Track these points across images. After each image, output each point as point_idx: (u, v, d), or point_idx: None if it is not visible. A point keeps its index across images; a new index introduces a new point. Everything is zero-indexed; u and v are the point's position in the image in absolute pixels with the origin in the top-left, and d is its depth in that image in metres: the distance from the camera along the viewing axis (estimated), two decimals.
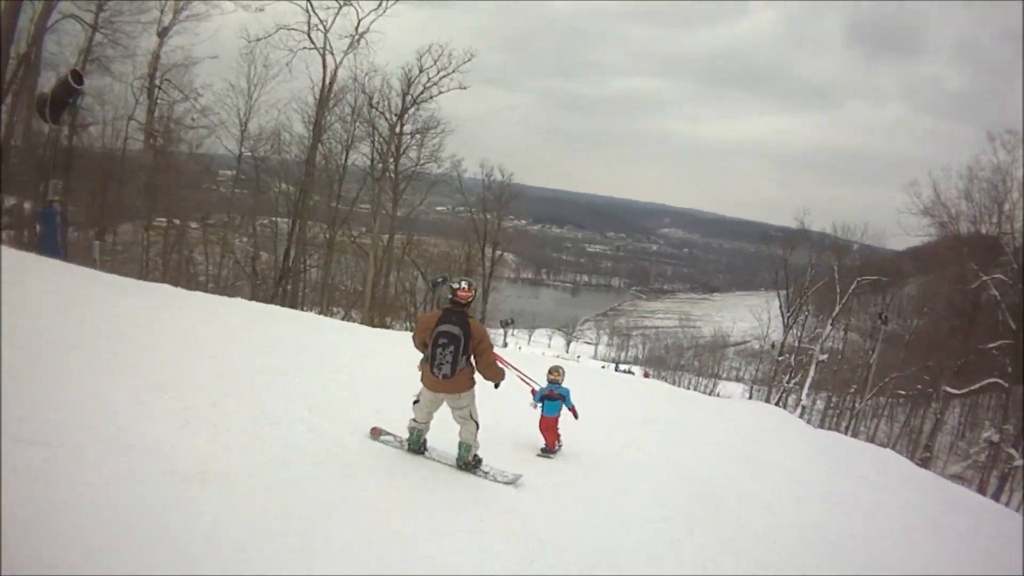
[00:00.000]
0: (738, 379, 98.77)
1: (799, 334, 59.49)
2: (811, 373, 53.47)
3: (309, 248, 48.67)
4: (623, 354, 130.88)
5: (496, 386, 8.98)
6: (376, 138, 48.29)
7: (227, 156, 47.44)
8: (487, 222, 57.68)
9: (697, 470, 11.24)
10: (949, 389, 45.82)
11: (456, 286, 8.46)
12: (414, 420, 8.84)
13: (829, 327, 55.12)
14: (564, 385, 10.81)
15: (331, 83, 45.28)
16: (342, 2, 44.20)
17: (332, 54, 44.82)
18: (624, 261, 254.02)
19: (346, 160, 48.22)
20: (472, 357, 8.47)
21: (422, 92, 47.79)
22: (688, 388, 76.70)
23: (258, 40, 43.77)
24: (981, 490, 35.36)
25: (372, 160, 48.64)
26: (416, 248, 57.05)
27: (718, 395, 61.77)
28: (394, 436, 9.16)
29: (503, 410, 10.64)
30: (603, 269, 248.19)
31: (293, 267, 45.78)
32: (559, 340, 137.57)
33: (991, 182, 43.68)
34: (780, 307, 62.55)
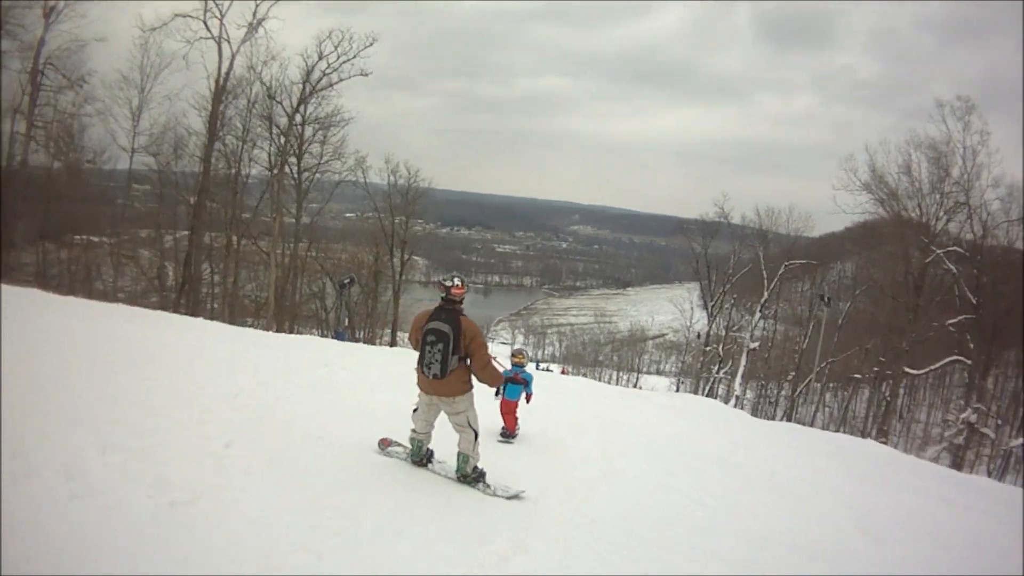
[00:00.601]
0: (659, 372, 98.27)
1: (725, 323, 57.89)
2: (743, 362, 51.93)
3: (213, 256, 46.03)
4: (540, 352, 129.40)
5: (497, 393, 9.66)
6: (274, 132, 45.61)
7: (140, 170, 44.86)
8: (394, 225, 55.34)
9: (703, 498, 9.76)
10: (909, 370, 44.70)
11: (449, 284, 8.20)
12: (413, 430, 8.68)
13: (758, 314, 53.43)
14: (527, 370, 11.26)
15: (227, 74, 42.37)
16: None
17: (228, 42, 42.06)
18: (535, 260, 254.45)
19: (241, 154, 45.10)
20: (466, 358, 8.17)
21: (321, 79, 45.24)
22: (609, 383, 76.43)
23: (153, 29, 40.85)
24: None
25: (270, 155, 45.90)
26: (324, 253, 55.28)
27: (642, 388, 60.90)
28: (403, 447, 9.02)
29: None
30: (514, 269, 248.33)
31: (193, 275, 43.00)
32: (522, 336, 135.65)
33: (936, 152, 42.62)
34: (703, 297, 61.13)
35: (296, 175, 47.40)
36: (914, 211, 44.21)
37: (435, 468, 8.73)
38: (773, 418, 49.79)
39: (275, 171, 45.05)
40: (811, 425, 44.11)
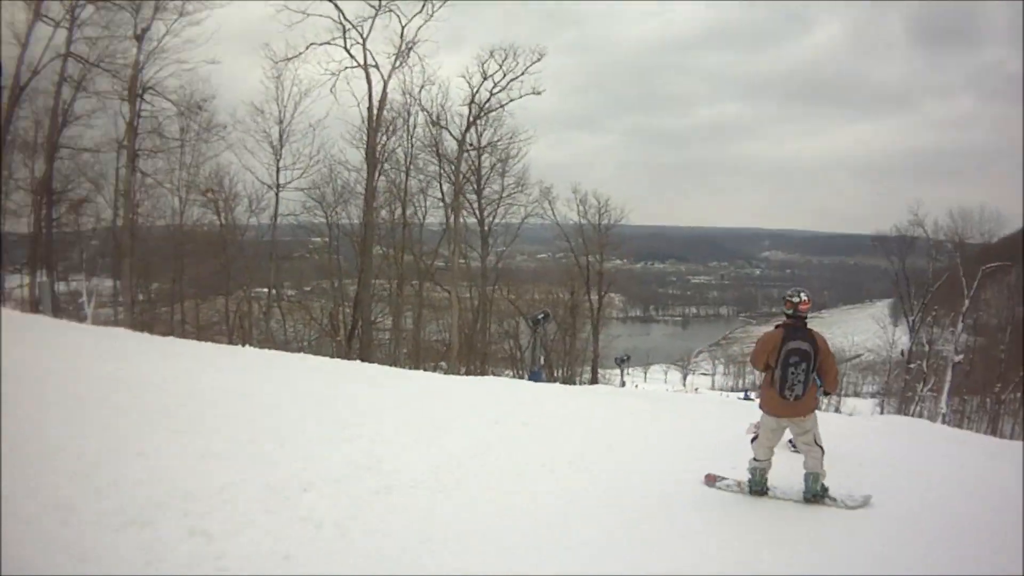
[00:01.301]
0: (856, 394, 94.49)
1: (927, 338, 53.82)
2: (948, 377, 47.82)
3: (387, 299, 44.88)
4: (740, 381, 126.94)
5: (826, 394, 8.98)
6: (443, 162, 43.74)
7: (316, 224, 43.98)
8: (588, 259, 53.04)
9: None
10: None
11: (796, 300, 8.19)
12: (755, 459, 8.48)
13: (960, 324, 49.17)
14: None
15: (381, 100, 39.97)
16: (378, 6, 39.15)
17: (378, 68, 39.76)
18: (729, 289, 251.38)
19: (405, 188, 43.57)
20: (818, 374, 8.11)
21: (489, 99, 42.45)
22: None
23: (288, 60, 38.90)
24: None
25: (441, 187, 44.37)
26: (515, 293, 53.13)
27: (848, 414, 58.20)
28: (732, 482, 8.75)
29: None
30: (710, 299, 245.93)
31: (363, 320, 41.67)
32: (675, 374, 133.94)
33: None
34: (897, 313, 57.41)
35: (478, 211, 45.69)
36: None
37: (777, 494, 8.49)
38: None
39: (449, 203, 43.29)
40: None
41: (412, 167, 43.32)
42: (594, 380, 50.57)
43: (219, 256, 40.60)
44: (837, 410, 67.78)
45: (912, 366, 53.16)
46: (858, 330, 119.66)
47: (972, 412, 53.68)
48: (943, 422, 43.43)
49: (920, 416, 46.98)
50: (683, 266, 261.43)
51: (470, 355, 45.55)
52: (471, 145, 44.12)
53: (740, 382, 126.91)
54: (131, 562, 4.95)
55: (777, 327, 8.40)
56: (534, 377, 33.20)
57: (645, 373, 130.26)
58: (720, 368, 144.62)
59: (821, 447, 8.20)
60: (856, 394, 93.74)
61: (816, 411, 8.24)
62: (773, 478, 8.61)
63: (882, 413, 55.07)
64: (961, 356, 49.53)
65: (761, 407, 8.38)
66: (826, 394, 8.57)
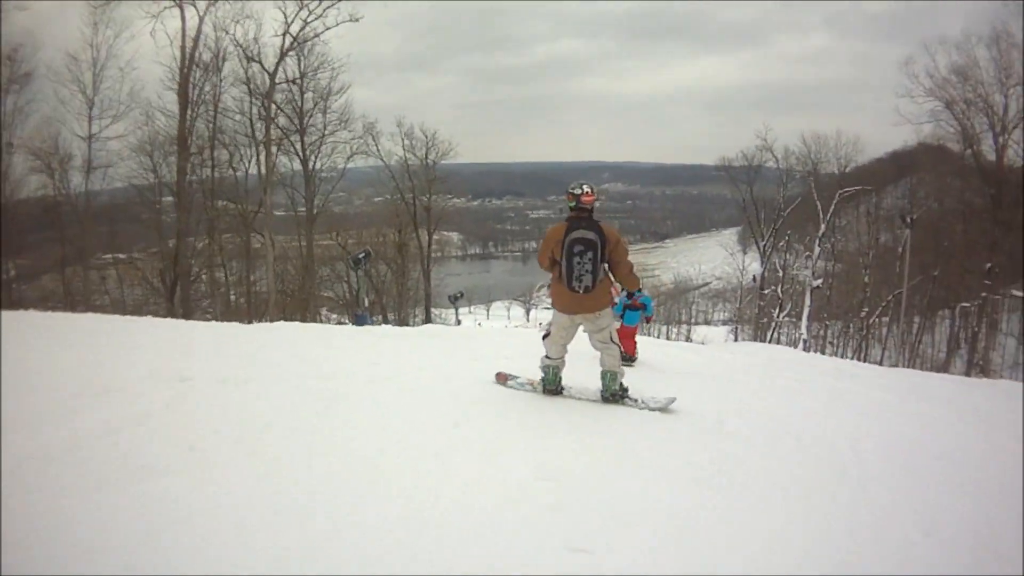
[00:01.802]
0: (707, 322, 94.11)
1: (781, 264, 52.80)
2: (807, 302, 47.25)
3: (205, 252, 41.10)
4: None
5: (630, 296, 10.52)
6: (254, 100, 40.27)
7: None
8: (415, 197, 51.24)
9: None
10: (1016, 292, 40.97)
11: (578, 191, 7.81)
12: (547, 357, 8.27)
13: (817, 248, 48.37)
14: (646, 293, 11.25)
15: (196, 38, 36.25)
16: None
17: (194, 4, 35.94)
18: None
19: (214, 131, 39.13)
20: (608, 266, 7.90)
21: (304, 28, 38.94)
22: (659, 338, 73.03)
23: (105, 1, 34.85)
24: None
25: (252, 124, 40.49)
26: (344, 237, 50.89)
27: (699, 341, 57.55)
28: (524, 381, 8.65)
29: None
30: None
31: (182, 275, 37.86)
32: (518, 310, 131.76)
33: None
34: (747, 240, 56.21)
35: (301, 151, 43.00)
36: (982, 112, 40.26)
37: (573, 393, 8.33)
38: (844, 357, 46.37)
39: (260, 140, 39.88)
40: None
41: (224, 107, 39.69)
42: (427, 320, 48.53)
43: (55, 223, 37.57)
44: (688, 338, 67.64)
45: (766, 292, 52.33)
46: (705, 259, 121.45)
47: (835, 337, 53.06)
48: (804, 347, 43.00)
49: (778, 342, 46.50)
50: (521, 201, 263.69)
51: (297, 304, 43.49)
52: (287, 80, 40.91)
53: None
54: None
55: (562, 222, 8.00)
56: (360, 321, 30.09)
57: (487, 310, 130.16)
58: None
59: (618, 344, 8.13)
60: (707, 322, 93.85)
61: (611, 307, 8.32)
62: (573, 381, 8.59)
63: (736, 340, 55.07)
64: (820, 281, 48.78)
65: (553, 305, 8.17)
66: (629, 295, 9.01)
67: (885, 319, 49.39)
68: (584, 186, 7.88)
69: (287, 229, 47.22)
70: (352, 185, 54.58)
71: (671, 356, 13.64)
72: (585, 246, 7.57)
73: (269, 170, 39.10)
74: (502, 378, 8.82)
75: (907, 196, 52.74)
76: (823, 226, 48.01)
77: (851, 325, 52.31)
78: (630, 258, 8.09)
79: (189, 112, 36.84)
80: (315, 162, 44.39)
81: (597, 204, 7.98)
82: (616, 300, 10.38)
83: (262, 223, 40.06)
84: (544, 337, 8.38)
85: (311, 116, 43.05)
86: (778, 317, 50.15)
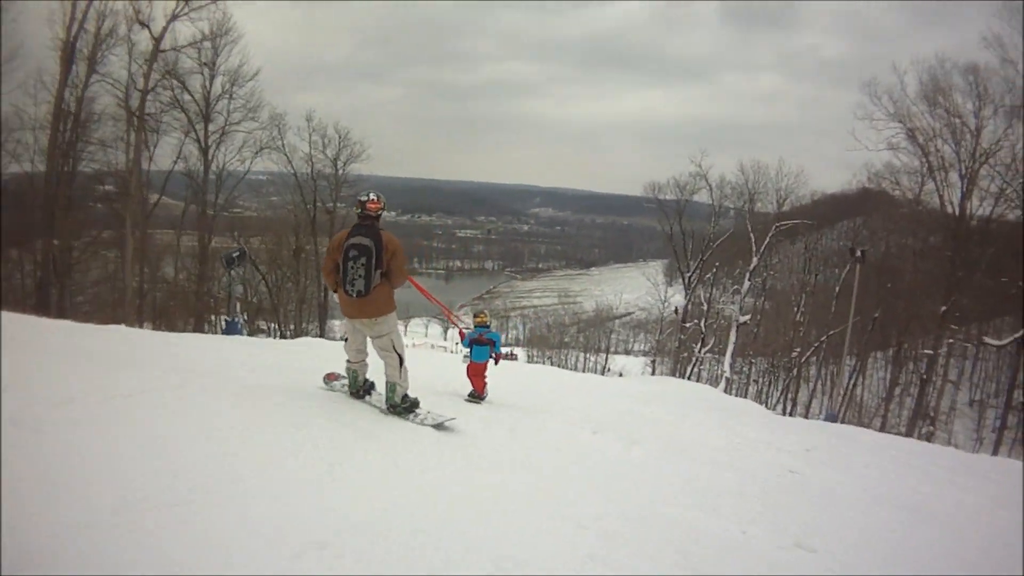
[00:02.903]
0: (627, 351, 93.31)
1: (707, 296, 50.20)
2: (732, 338, 44.48)
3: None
4: (503, 336, 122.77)
5: (464, 357, 10.62)
6: (134, 63, 35.93)
7: None
8: (315, 207, 48.03)
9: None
10: (990, 340, 39.56)
11: (364, 199, 8.01)
12: (348, 360, 8.58)
13: (747, 282, 45.71)
14: (493, 331, 10.88)
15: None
16: None
17: None
18: (496, 244, 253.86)
19: (80, 101, 34.44)
20: (387, 274, 7.98)
21: None
22: (577, 366, 75.81)
23: None
24: None
25: (126, 92, 35.85)
26: (243, 240, 46.96)
27: (617, 373, 55.32)
28: (346, 381, 8.84)
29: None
30: (475, 253, 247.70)
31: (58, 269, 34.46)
32: (436, 327, 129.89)
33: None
34: (673, 272, 53.64)
35: (202, 138, 40.43)
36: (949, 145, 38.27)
37: (372, 400, 8.52)
38: (768, 402, 45.54)
39: (133, 111, 35.70)
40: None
41: (105, 72, 35.31)
42: (322, 333, 45.34)
43: None
44: (605, 369, 65.64)
45: (688, 325, 49.65)
46: (628, 288, 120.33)
47: (760, 375, 50.81)
48: (726, 386, 41.07)
49: (699, 378, 44.73)
50: (450, 219, 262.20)
51: (183, 306, 41.39)
52: (176, 47, 37.16)
53: (504, 336, 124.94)
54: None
55: (346, 228, 8.15)
56: (229, 329, 27.34)
57: (405, 327, 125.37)
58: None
59: (400, 355, 8.16)
60: (627, 351, 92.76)
61: (394, 315, 8.18)
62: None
63: (653, 373, 54.25)
64: (748, 317, 46.30)
65: (341, 311, 8.28)
66: (396, 285, 8.15)
67: (814, 359, 47.52)
68: (371, 194, 8.01)
69: (189, 225, 44.30)
70: (258, 186, 51.39)
71: (544, 392, 14.03)
72: (360, 251, 7.65)
73: (138, 148, 35.68)
74: (331, 378, 9.02)
75: (850, 235, 50.93)
76: (755, 259, 45.55)
77: (778, 364, 50.40)
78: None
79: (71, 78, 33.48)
80: (219, 155, 42.17)
81: (383, 213, 8.07)
82: (465, 332, 10.79)
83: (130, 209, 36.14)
84: (343, 341, 8.87)
85: (217, 102, 40.66)
86: (699, 352, 47.43)
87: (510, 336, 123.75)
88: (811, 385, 48.39)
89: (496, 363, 10.79)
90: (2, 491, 4.03)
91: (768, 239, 45.36)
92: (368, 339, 8.35)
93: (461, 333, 10.92)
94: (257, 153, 44.13)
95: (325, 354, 12.88)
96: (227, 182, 43.80)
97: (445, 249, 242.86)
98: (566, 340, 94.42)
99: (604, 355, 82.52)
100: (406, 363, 8.23)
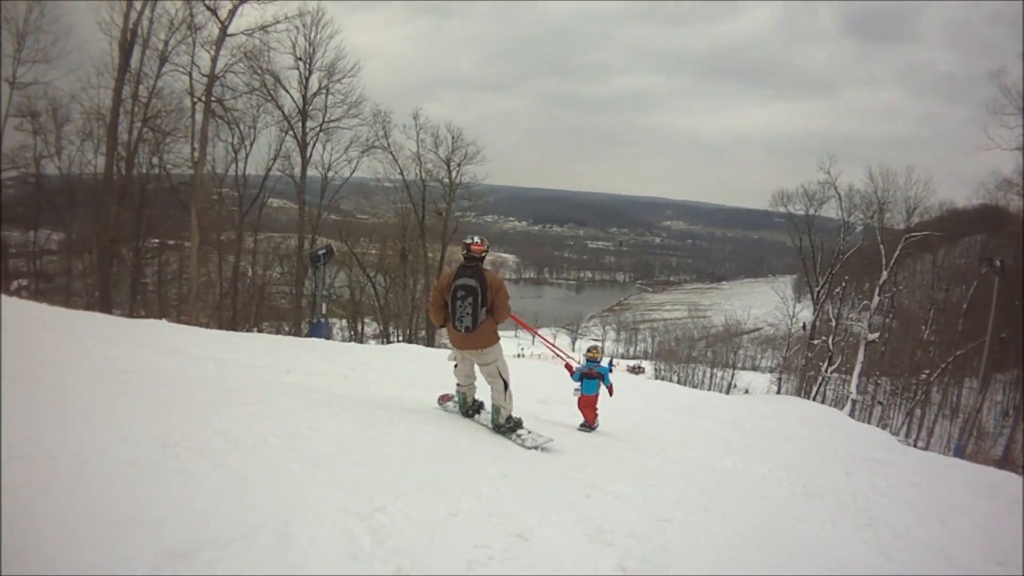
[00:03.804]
0: (755, 367, 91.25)
1: (835, 312, 47.46)
2: (860, 358, 41.98)
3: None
4: (632, 349, 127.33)
5: (576, 390, 10.74)
6: (198, 41, 34.29)
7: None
8: (424, 209, 46.03)
9: None
10: None
11: (469, 241, 8.54)
12: (457, 384, 9.16)
13: (877, 297, 43.14)
14: (603, 363, 10.98)
15: None
16: None
17: None
18: (628, 255, 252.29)
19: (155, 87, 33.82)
20: (491, 310, 8.49)
21: None
22: (703, 381, 75.61)
23: None
24: None
25: (191, 79, 34.07)
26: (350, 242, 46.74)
27: (743, 390, 58.35)
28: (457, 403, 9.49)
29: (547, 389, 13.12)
30: (607, 265, 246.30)
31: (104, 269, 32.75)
32: (564, 338, 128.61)
33: None
34: (802, 286, 51.01)
35: (299, 135, 39.51)
36: None
37: (481, 419, 9.08)
38: (891, 425, 43.26)
39: (196, 100, 33.96)
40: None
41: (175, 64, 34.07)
42: (430, 341, 43.10)
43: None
44: (731, 386, 63.84)
45: (816, 342, 47.13)
46: (758, 303, 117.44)
47: (885, 397, 48.05)
48: (851, 408, 39.12)
49: (824, 398, 42.89)
50: (582, 230, 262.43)
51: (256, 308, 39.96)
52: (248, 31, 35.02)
53: (632, 349, 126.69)
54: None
55: (451, 268, 8.99)
56: (315, 332, 26.41)
57: (532, 338, 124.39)
58: (611, 334, 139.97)
59: (504, 380, 8.59)
60: (754, 367, 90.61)
61: (498, 345, 8.58)
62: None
63: (779, 391, 51.71)
64: (876, 335, 43.51)
65: (449, 341, 8.77)
66: (499, 320, 8.55)
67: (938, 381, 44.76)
68: (475, 237, 8.48)
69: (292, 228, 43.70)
70: (366, 190, 49.60)
71: (660, 416, 14.33)
72: (467, 291, 8.10)
73: (204, 135, 33.59)
74: (445, 399, 9.65)
75: (974, 252, 48.22)
76: (885, 273, 42.99)
77: (902, 385, 47.68)
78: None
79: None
80: (324, 155, 41.63)
81: (487, 255, 8.49)
82: (574, 366, 10.87)
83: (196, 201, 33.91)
84: (454, 367, 8.98)
85: (314, 98, 39.67)
86: (826, 371, 45.00)
87: (638, 349, 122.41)
88: (934, 409, 45.72)
89: (611, 395, 10.92)
90: (2, 491, 3.89)
91: (898, 251, 42.73)
92: (476, 366, 8.81)
93: (568, 367, 10.99)
94: (364, 153, 43.09)
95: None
96: (332, 183, 42.91)
97: (576, 260, 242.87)
98: (694, 355, 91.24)
99: (731, 371, 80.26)
100: (511, 388, 8.70)
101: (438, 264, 45.71)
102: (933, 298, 47.61)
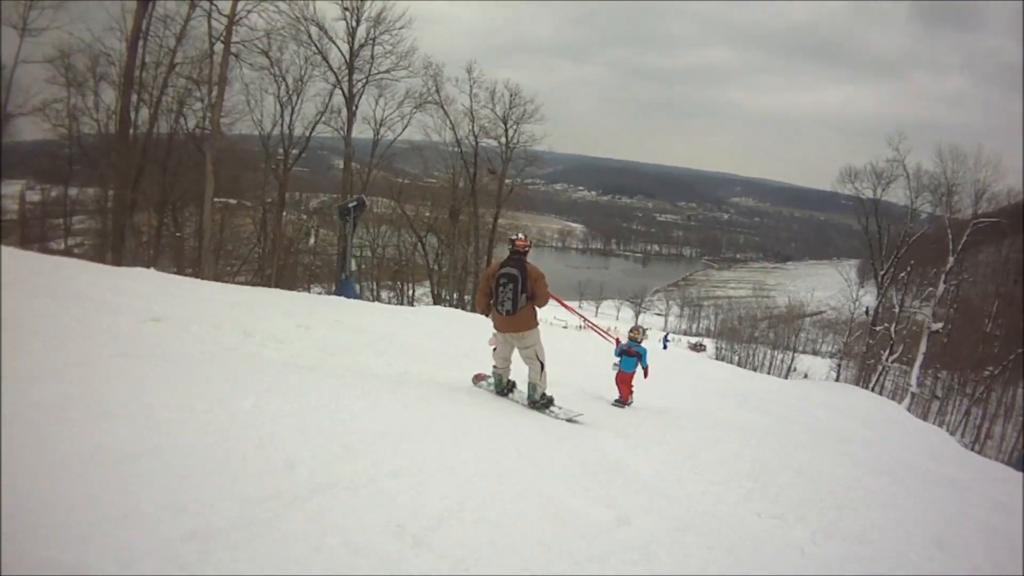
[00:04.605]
0: (815, 352, 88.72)
1: (899, 299, 45.50)
2: (922, 348, 40.13)
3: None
4: (694, 325, 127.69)
5: (615, 365, 11.44)
6: None
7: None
8: (475, 168, 43.85)
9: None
10: None
11: (513, 236, 9.31)
12: (494, 366, 9.81)
13: (942, 285, 41.03)
14: (643, 345, 11.82)
15: None
16: None
17: None
18: (695, 230, 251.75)
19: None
20: (531, 297, 9.22)
21: None
22: (763, 363, 75.40)
23: None
24: None
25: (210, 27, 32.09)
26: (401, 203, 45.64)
27: (803, 375, 58.94)
28: (491, 381, 10.04)
29: (582, 367, 13.56)
30: (674, 239, 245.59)
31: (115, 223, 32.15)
32: (628, 311, 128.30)
33: None
34: (874, 269, 48.79)
35: (347, 90, 38.27)
36: None
37: (514, 397, 9.76)
38: (948, 423, 41.27)
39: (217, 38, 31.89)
40: None
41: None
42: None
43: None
44: (791, 370, 62.66)
45: (878, 328, 45.17)
46: (821, 285, 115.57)
47: (943, 391, 46.00)
48: (910, 402, 37.48)
49: (884, 388, 41.22)
50: (651, 203, 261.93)
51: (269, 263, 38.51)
52: None
53: (695, 326, 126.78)
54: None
55: (498, 261, 9.46)
56: (343, 289, 25.27)
57: (597, 308, 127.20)
58: (675, 309, 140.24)
59: (541, 362, 9.28)
60: (815, 352, 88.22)
61: (537, 329, 9.30)
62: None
63: (838, 378, 50.61)
64: (940, 324, 41.40)
65: (493, 326, 9.45)
66: (540, 306, 9.29)
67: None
68: (520, 233, 9.28)
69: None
70: (418, 149, 45.98)
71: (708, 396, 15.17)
72: (508, 279, 8.93)
73: (222, 79, 31.64)
74: (479, 378, 10.16)
75: None
76: (951, 259, 40.82)
77: (962, 381, 45.46)
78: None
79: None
80: (373, 108, 40.64)
81: (529, 249, 9.19)
82: (616, 347, 11.59)
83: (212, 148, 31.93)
84: (494, 351, 9.59)
85: (361, 48, 38.21)
86: (886, 360, 43.10)
87: (701, 326, 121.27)
88: (991, 408, 43.57)
89: (646, 376, 11.53)
90: (2, 491, 3.74)
91: (965, 237, 40.62)
92: (515, 349, 9.50)
93: (617, 341, 11.91)
94: (417, 107, 41.37)
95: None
96: (382, 140, 41.28)
97: (644, 232, 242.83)
98: (756, 335, 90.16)
99: (791, 354, 78.86)
100: (546, 368, 9.39)
101: (491, 228, 44.40)
102: (998, 290, 45.37)
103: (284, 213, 40.78)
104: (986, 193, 42.66)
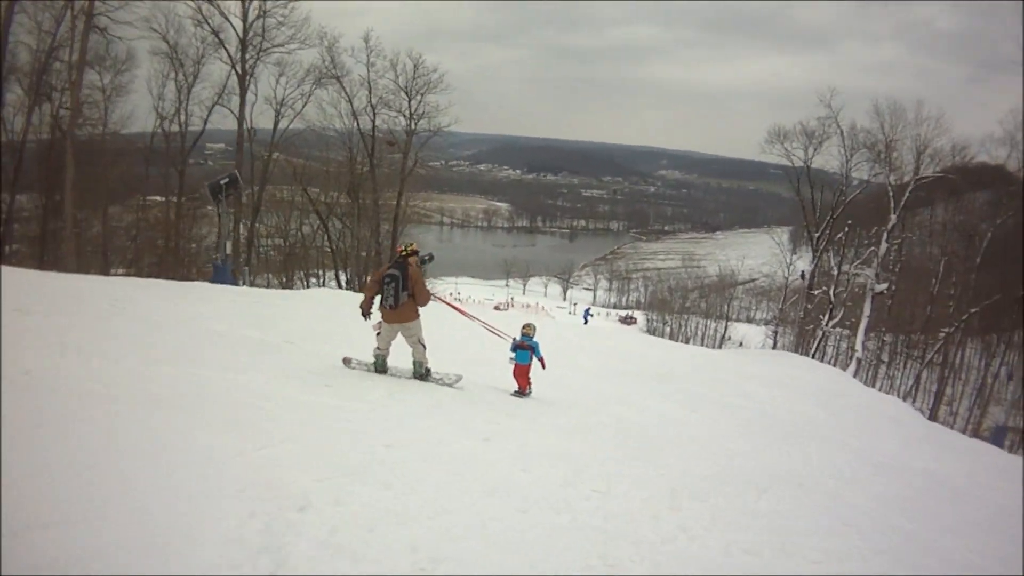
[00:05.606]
0: (749, 320, 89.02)
1: (837, 261, 43.20)
2: (866, 311, 38.27)
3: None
4: (624, 298, 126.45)
5: (421, 305, 11.39)
6: None
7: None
8: (373, 140, 41.60)
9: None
10: None
11: (401, 247, 11.09)
12: (377, 348, 11.13)
13: (884, 243, 38.88)
14: (534, 339, 12.36)
15: None
16: None
17: None
18: (621, 204, 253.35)
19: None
20: (412, 295, 10.77)
21: None
22: (696, 333, 75.57)
23: None
24: None
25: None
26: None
27: (737, 343, 58.50)
28: (361, 362, 11.31)
29: (486, 359, 13.67)
30: (600, 213, 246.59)
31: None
32: (555, 287, 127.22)
33: None
34: (808, 232, 46.73)
35: (238, 64, 36.47)
36: None
37: (394, 372, 11.13)
38: (898, 388, 40.92)
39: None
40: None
41: None
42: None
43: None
44: (724, 338, 61.26)
45: (815, 292, 43.26)
46: (752, 253, 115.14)
47: (890, 354, 44.54)
48: (856, 368, 36.21)
49: (825, 355, 40.11)
50: (576, 179, 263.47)
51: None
52: None
53: (625, 299, 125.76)
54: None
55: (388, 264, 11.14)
56: (218, 275, 22.98)
57: (524, 285, 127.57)
58: (603, 283, 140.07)
59: (423, 344, 10.91)
60: (749, 320, 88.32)
61: (418, 320, 10.77)
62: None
63: (775, 345, 49.18)
64: (885, 286, 39.24)
65: (382, 316, 10.70)
66: (420, 304, 10.71)
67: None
68: (405, 242, 11.31)
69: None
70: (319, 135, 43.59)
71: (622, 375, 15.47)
72: (391, 279, 10.44)
73: (83, 51, 30.10)
74: (347, 361, 11.25)
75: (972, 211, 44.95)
76: (893, 217, 38.95)
77: (911, 344, 44.32)
78: None
79: None
80: (274, 88, 38.71)
81: (411, 256, 10.87)
82: (511, 343, 12.34)
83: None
84: (377, 335, 10.88)
85: (254, 22, 36.28)
86: (826, 324, 40.91)
87: (631, 299, 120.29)
88: (938, 371, 42.19)
89: (544, 367, 12.14)
90: (2, 491, 3.88)
91: (907, 194, 38.93)
92: (400, 335, 10.90)
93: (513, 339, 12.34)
94: (316, 82, 39.48)
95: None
96: (282, 118, 39.47)
97: (570, 208, 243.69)
98: (687, 305, 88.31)
99: (724, 323, 77.17)
100: (427, 349, 10.95)
101: (394, 205, 42.09)
102: (945, 249, 43.43)
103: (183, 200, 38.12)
104: (928, 148, 40.85)
